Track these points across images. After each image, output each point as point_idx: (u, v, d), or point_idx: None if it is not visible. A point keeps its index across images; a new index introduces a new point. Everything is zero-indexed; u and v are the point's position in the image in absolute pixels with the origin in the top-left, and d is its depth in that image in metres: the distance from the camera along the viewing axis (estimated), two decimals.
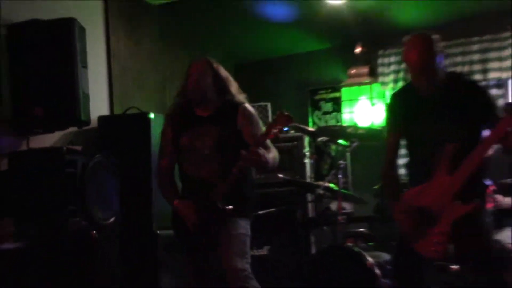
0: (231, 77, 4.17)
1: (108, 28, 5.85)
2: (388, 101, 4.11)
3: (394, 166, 3.92)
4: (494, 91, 6.69)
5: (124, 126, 5.38)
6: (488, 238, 3.60)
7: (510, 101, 6.70)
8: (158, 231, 5.04)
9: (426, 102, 3.73)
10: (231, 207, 3.80)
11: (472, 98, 3.67)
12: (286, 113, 3.74)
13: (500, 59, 6.61)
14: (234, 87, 4.14)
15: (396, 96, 4.03)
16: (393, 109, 3.99)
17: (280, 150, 4.07)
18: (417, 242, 3.58)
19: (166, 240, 4.97)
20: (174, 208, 4.01)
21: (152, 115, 5.22)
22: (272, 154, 3.93)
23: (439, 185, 3.56)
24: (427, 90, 3.69)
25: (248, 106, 4.10)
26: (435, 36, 3.69)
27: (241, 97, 4.14)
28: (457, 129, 3.64)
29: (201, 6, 6.30)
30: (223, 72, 4.12)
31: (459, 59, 6.79)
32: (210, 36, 6.92)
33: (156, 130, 4.84)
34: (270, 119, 6.91)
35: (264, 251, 5.72)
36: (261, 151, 3.76)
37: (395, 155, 3.93)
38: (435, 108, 3.70)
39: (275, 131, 3.74)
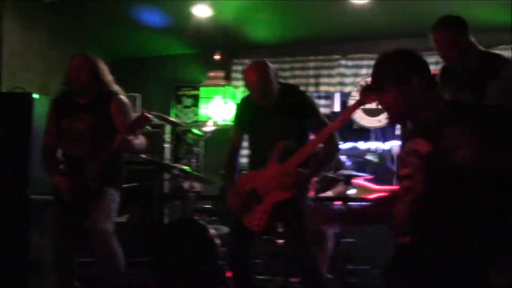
0: (107, 70, 4.11)
1: (2, 18, 5.60)
2: (237, 103, 4.19)
3: (233, 157, 3.99)
4: (323, 102, 6.94)
5: (9, 103, 5.13)
6: (305, 219, 3.66)
7: (335, 110, 7.01)
8: (32, 196, 4.88)
9: (264, 108, 3.81)
10: (97, 183, 3.80)
11: (300, 106, 3.80)
12: (146, 114, 3.73)
13: (329, 76, 6.81)
14: (109, 79, 4.09)
15: (243, 101, 4.11)
16: (239, 111, 4.07)
17: (145, 134, 4.05)
18: (244, 216, 3.68)
19: (38, 203, 4.83)
20: (54, 182, 3.93)
21: (36, 96, 5.06)
22: (139, 141, 3.93)
23: (269, 172, 3.66)
24: (264, 104, 3.80)
25: (121, 96, 4.07)
26: (267, 64, 3.77)
27: (115, 88, 4.10)
28: (287, 130, 3.75)
29: (86, 6, 6.13)
30: (101, 65, 4.06)
31: (298, 72, 6.94)
32: (92, 33, 6.71)
33: (40, 110, 4.85)
34: (138, 108, 6.88)
35: (123, 218, 5.65)
36: (130, 137, 3.75)
37: (236, 148, 4.01)
38: (271, 113, 3.79)
39: (138, 128, 3.75)
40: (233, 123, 4.12)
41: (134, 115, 4.01)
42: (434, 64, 6.29)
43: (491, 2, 5.56)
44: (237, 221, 3.79)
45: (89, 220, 3.81)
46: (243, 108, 4.03)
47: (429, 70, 2.40)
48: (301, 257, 3.73)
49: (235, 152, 4.01)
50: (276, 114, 3.78)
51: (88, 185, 3.79)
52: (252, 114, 3.90)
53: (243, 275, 3.85)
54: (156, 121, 5.86)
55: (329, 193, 5.33)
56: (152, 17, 6.48)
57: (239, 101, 4.20)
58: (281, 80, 4.03)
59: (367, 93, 3.26)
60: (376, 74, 2.42)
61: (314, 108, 3.87)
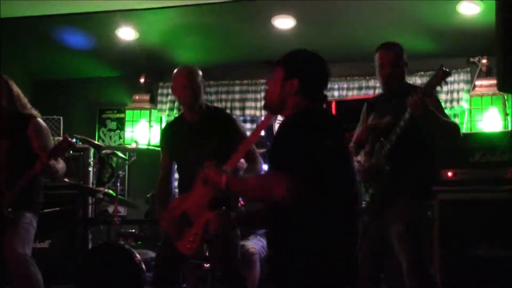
0: (21, 92, 4.00)
1: None
2: (162, 128, 4.18)
3: (164, 182, 3.96)
4: (249, 125, 6.93)
5: None
6: (232, 241, 3.69)
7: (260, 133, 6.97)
8: None
9: (190, 130, 3.82)
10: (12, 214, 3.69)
11: (225, 126, 3.81)
12: (70, 139, 3.70)
13: (255, 100, 6.85)
14: (25, 102, 4.00)
15: (168, 125, 4.12)
16: (164, 135, 4.05)
17: (68, 158, 3.98)
18: (177, 240, 3.60)
19: None
20: None
21: None
22: (60, 165, 3.87)
23: (197, 194, 3.62)
24: (192, 116, 3.80)
25: (39, 120, 3.98)
26: (197, 70, 3.80)
27: (32, 111, 4.01)
28: (213, 150, 3.68)
29: (4, 23, 5.90)
30: (16, 89, 3.95)
31: (223, 96, 6.95)
32: (12, 53, 6.54)
33: None
34: (61, 131, 6.79)
35: (45, 244, 5.52)
36: (51, 162, 3.71)
37: (166, 173, 3.98)
38: (196, 134, 3.80)
39: (61, 153, 3.72)
40: (160, 148, 4.08)
41: (57, 139, 3.93)
42: (357, 89, 6.51)
43: (410, 31, 5.81)
44: (165, 246, 3.76)
45: (4, 245, 3.68)
46: (168, 132, 4.01)
47: (318, 85, 2.58)
48: (228, 279, 3.73)
49: (166, 177, 3.98)
50: (201, 136, 3.78)
51: (4, 214, 3.67)
52: (178, 138, 3.89)
53: None
54: (79, 144, 5.76)
55: None
56: (76, 38, 6.44)
57: (164, 126, 4.17)
58: (208, 103, 4.05)
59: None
60: (282, 57, 2.62)
61: (238, 128, 3.86)
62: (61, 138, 6.42)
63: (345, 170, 2.48)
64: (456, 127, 3.71)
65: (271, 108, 2.68)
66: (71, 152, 4.78)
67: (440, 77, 3.44)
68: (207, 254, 3.94)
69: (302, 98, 2.54)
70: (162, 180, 3.97)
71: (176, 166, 4.00)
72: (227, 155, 3.70)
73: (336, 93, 6.54)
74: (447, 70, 3.45)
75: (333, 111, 5.96)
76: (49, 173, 3.79)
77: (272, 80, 2.60)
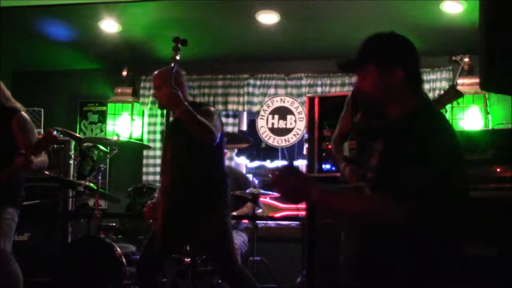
0: (3, 85, 3.96)
1: None
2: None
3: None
4: (231, 120, 6.88)
5: None
6: (223, 236, 3.70)
7: (243, 128, 7.04)
8: None
9: (173, 124, 3.82)
10: None
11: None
12: (54, 134, 3.65)
13: (238, 95, 6.82)
14: (8, 95, 3.96)
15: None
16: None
17: (48, 150, 3.95)
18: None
19: None
20: None
21: None
22: (41, 158, 3.83)
23: None
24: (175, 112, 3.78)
25: (23, 114, 3.94)
26: (177, 71, 3.73)
27: (16, 104, 3.97)
28: (186, 145, 3.68)
29: None
30: None
31: (206, 90, 6.91)
32: None
33: None
34: (42, 123, 6.75)
35: (25, 237, 5.48)
36: (32, 157, 3.65)
37: None
38: (176, 128, 3.75)
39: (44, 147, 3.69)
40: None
41: (38, 131, 3.90)
42: (340, 86, 6.52)
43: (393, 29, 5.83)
44: (151, 238, 3.78)
45: None
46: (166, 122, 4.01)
47: (416, 64, 2.25)
48: (228, 273, 3.76)
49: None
50: (176, 131, 3.76)
51: None
52: (166, 130, 3.89)
53: None
54: (60, 136, 5.72)
55: (236, 213, 5.35)
56: (58, 30, 6.35)
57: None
58: (190, 98, 4.03)
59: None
60: (361, 50, 2.25)
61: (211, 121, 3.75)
62: (41, 130, 6.41)
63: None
64: None
65: (378, 103, 2.24)
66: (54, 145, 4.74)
67: (452, 96, 3.39)
68: (188, 248, 3.97)
69: (411, 90, 2.21)
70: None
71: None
72: (201, 149, 3.67)
73: (319, 89, 6.55)
74: (460, 91, 3.36)
75: (316, 108, 5.94)
76: (31, 168, 3.73)
77: (366, 79, 2.23)
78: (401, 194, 1.95)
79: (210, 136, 3.51)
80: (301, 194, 2.08)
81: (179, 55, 3.64)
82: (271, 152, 6.82)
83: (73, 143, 6.11)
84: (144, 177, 6.84)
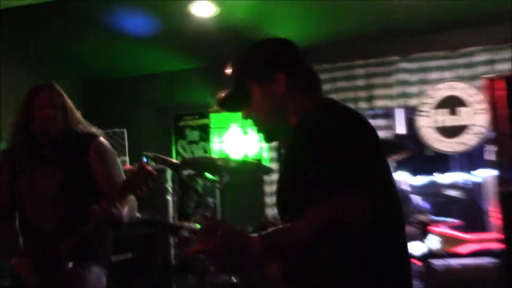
0: (72, 104, 3.91)
1: None
2: None
3: None
4: (381, 122, 6.91)
5: None
6: None
7: (398, 131, 6.97)
8: None
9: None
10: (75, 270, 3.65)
11: None
12: (147, 168, 3.49)
13: (386, 86, 6.79)
14: (80, 117, 3.90)
15: None
16: None
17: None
18: None
19: None
20: (12, 264, 3.71)
21: None
22: (129, 205, 3.71)
23: None
24: None
25: (102, 140, 3.83)
26: None
27: (91, 129, 3.88)
28: None
29: (45, 14, 5.86)
30: (68, 99, 3.84)
31: (343, 84, 6.91)
32: (54, 49, 6.52)
33: None
34: (127, 148, 6.88)
35: None
36: (115, 205, 3.57)
37: None
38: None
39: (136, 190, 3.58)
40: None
41: (123, 161, 3.85)
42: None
43: None
44: None
45: None
46: None
47: (300, 63, 2.42)
48: None
49: None
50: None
51: (62, 269, 3.57)
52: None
53: None
54: (152, 165, 5.64)
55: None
56: (136, 22, 6.38)
57: None
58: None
59: None
60: (238, 70, 2.47)
61: None
62: (126, 159, 6.52)
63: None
64: None
65: (272, 125, 2.49)
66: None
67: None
68: None
69: (304, 92, 2.41)
70: None
71: None
72: None
73: (500, 67, 6.53)
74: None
75: (502, 93, 6.03)
76: (112, 221, 3.63)
77: (253, 103, 2.44)
78: (351, 189, 2.05)
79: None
80: (233, 252, 2.00)
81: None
82: (440, 161, 6.85)
83: (169, 172, 6.11)
84: (269, 210, 6.80)
